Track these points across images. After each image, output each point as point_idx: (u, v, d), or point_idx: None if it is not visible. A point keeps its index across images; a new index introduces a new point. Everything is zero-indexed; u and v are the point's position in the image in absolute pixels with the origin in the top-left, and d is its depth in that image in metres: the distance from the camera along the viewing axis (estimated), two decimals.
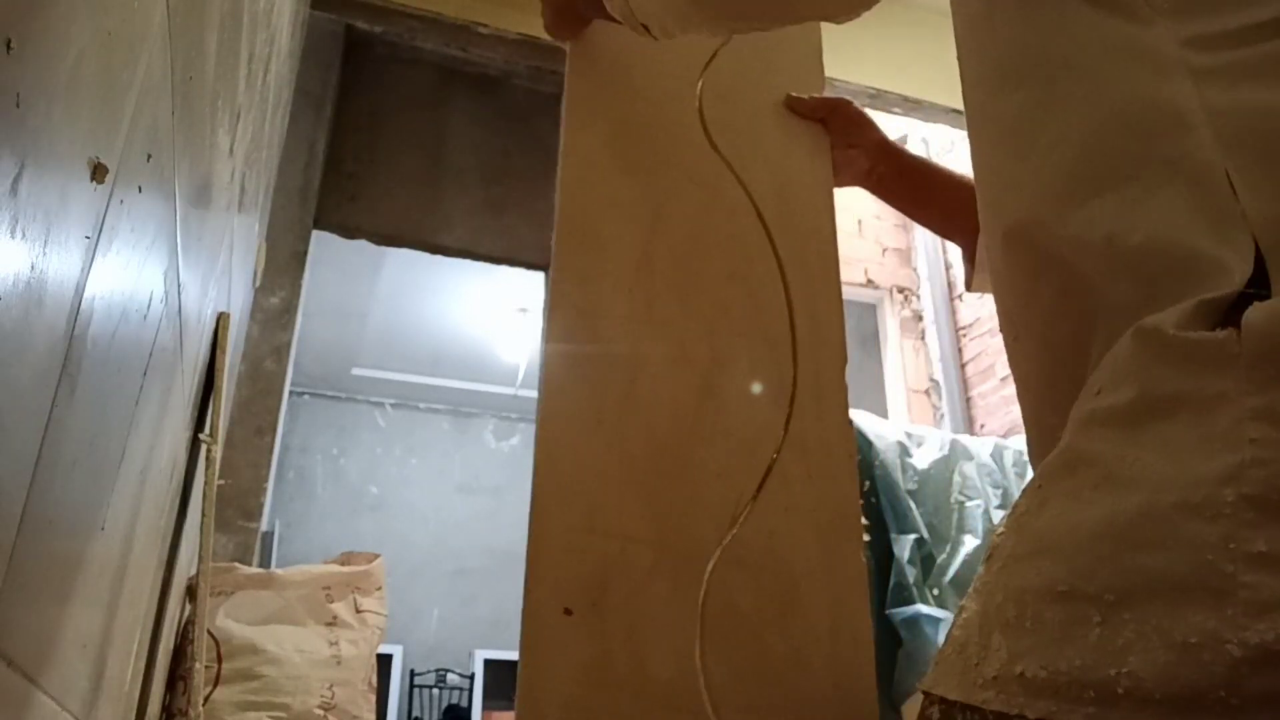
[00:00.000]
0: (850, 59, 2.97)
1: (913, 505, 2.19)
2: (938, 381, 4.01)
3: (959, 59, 0.72)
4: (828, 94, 1.26)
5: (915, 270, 4.28)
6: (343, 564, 2.19)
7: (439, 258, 4.22)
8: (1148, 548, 0.48)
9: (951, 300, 4.10)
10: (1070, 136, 0.59)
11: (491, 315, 6.43)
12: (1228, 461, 0.47)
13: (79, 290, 0.56)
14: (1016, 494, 2.32)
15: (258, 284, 2.79)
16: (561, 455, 0.94)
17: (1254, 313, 0.49)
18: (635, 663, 0.86)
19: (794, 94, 1.23)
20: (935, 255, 4.23)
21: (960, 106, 0.70)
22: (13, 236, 0.42)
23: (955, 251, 4.16)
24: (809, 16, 0.93)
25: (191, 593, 1.80)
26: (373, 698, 2.05)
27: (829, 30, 1.26)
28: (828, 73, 1.33)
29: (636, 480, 0.94)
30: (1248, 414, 0.48)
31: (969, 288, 1.04)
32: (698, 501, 0.95)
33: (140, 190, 0.70)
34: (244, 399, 3.15)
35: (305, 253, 3.59)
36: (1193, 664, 0.45)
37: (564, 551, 0.88)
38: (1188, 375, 0.51)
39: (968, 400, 3.90)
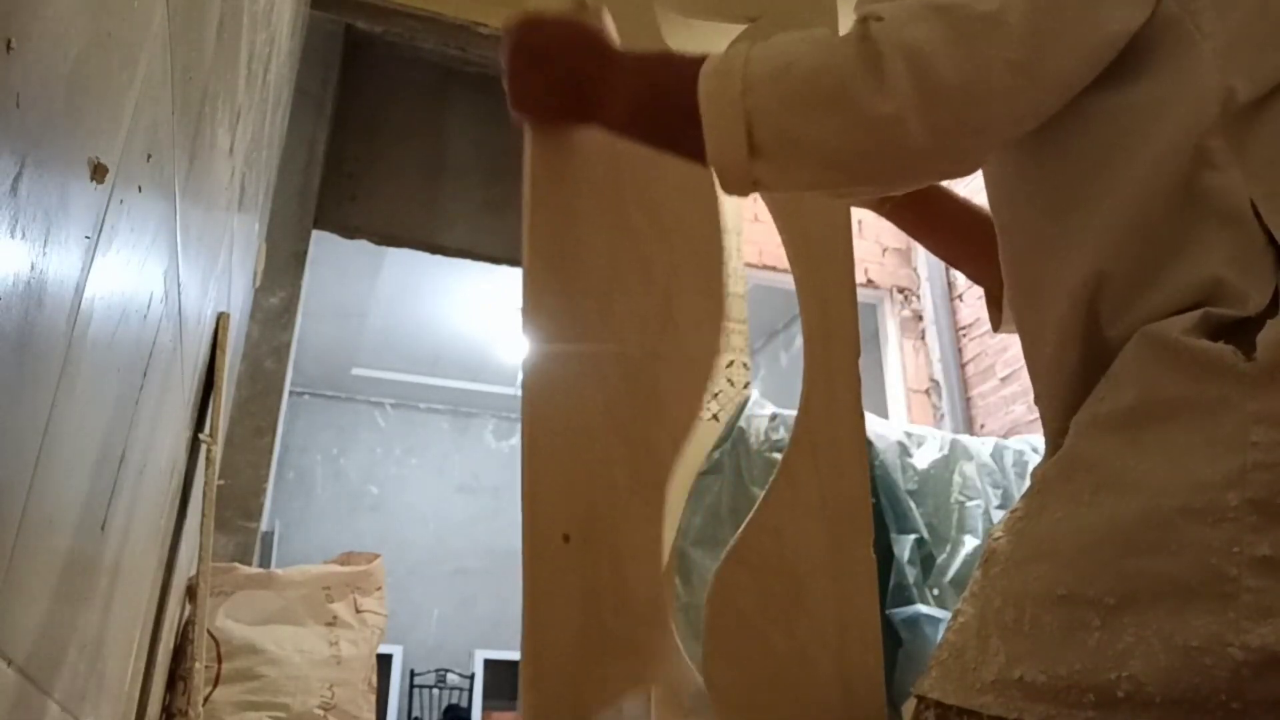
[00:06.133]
0: None
1: (913, 505, 2.19)
2: (938, 381, 4.01)
3: None
4: None
5: (915, 270, 4.28)
6: (343, 564, 2.19)
7: (439, 258, 4.22)
8: (1150, 552, 0.48)
9: (951, 300, 4.10)
10: (1119, 190, 0.59)
11: (491, 315, 6.43)
12: (1230, 465, 0.48)
13: (79, 290, 0.56)
14: (1016, 494, 2.32)
15: (258, 284, 2.78)
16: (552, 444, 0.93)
17: (1271, 330, 0.50)
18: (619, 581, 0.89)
19: None
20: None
21: None
22: (13, 236, 0.42)
23: None
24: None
25: (191, 593, 1.80)
26: (373, 698, 2.05)
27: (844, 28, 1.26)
28: None
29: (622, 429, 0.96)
30: (1250, 417, 0.48)
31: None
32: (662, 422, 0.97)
33: (140, 190, 0.70)
34: (244, 399, 3.15)
35: (305, 253, 3.58)
36: (1194, 668, 0.45)
37: (559, 487, 0.89)
38: (1190, 379, 0.51)
39: (968, 400, 3.90)
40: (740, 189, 0.67)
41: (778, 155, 0.63)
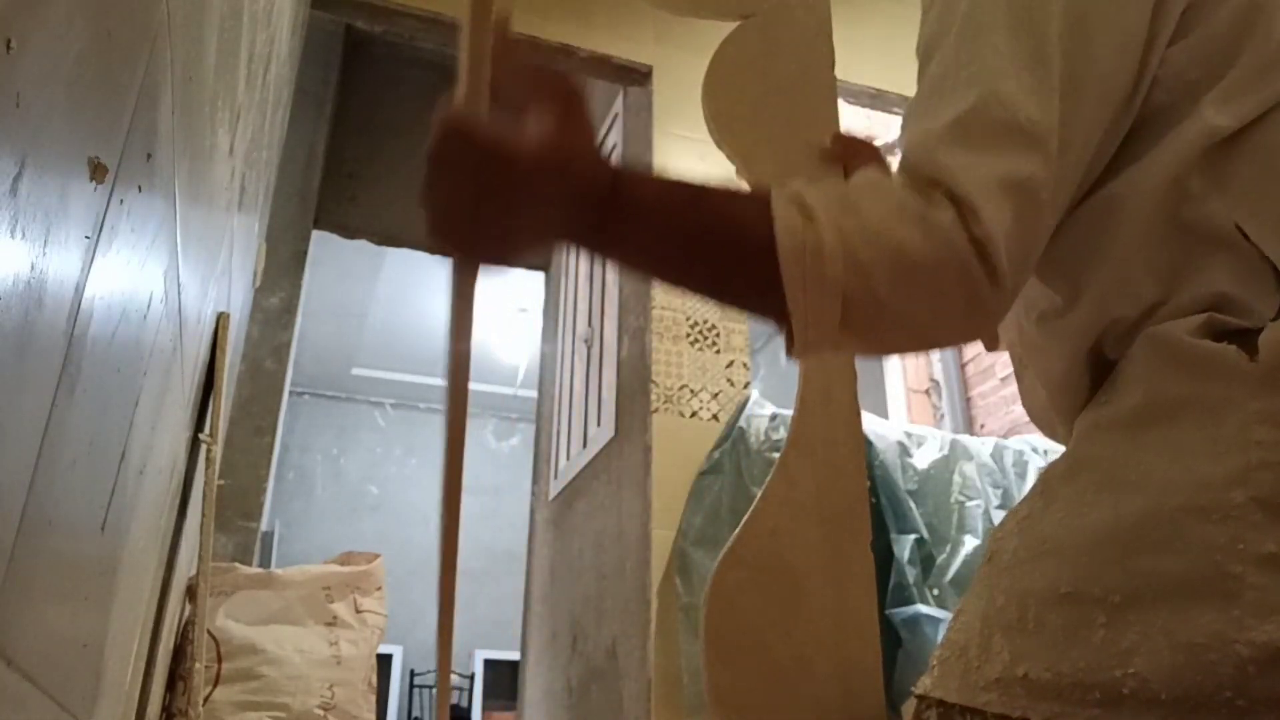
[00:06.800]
0: (852, 59, 2.97)
1: (913, 505, 2.19)
2: (938, 381, 4.01)
3: None
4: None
5: None
6: (343, 564, 2.20)
7: (439, 258, 4.21)
8: (1155, 550, 0.49)
9: None
10: (1121, 240, 0.60)
11: (491, 315, 6.43)
12: (1235, 464, 0.48)
13: (79, 290, 0.56)
14: (1017, 494, 2.32)
15: (258, 284, 2.78)
16: None
17: (1272, 330, 0.51)
18: None
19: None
20: None
21: None
22: (13, 236, 0.42)
23: None
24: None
25: (191, 593, 1.80)
26: (373, 698, 2.05)
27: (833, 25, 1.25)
28: None
29: None
30: (1254, 417, 0.49)
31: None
32: None
33: (140, 190, 0.70)
34: (244, 399, 3.15)
35: (305, 253, 3.58)
36: (1199, 664, 0.45)
37: None
38: (1194, 379, 0.52)
39: (968, 400, 3.90)
40: (817, 354, 0.60)
41: (876, 333, 0.59)
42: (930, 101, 0.60)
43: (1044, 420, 0.72)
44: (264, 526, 3.21)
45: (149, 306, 0.84)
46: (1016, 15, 0.58)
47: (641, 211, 0.59)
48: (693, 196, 0.59)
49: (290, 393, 4.47)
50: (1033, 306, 0.67)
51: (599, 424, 2.88)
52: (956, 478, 2.30)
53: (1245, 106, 0.57)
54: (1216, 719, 0.45)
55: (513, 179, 0.56)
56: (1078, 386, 0.62)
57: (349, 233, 3.95)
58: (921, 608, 1.98)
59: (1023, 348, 0.71)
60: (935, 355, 4.06)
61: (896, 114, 3.15)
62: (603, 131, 3.43)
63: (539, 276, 4.37)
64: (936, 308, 0.57)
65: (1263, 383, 0.50)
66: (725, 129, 1.12)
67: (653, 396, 2.43)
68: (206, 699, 1.79)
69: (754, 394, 2.48)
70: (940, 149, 0.57)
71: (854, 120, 3.12)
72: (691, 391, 2.48)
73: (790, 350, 0.59)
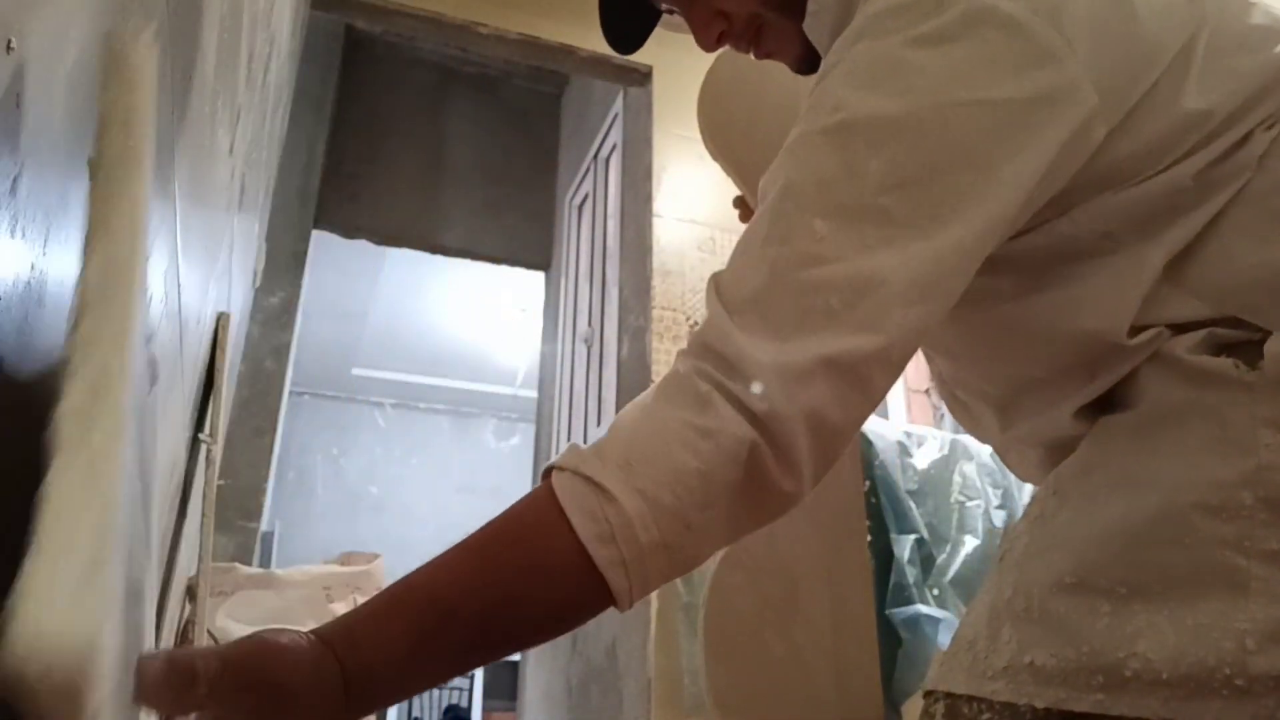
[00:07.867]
0: None
1: (913, 505, 2.19)
2: None
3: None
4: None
5: None
6: (343, 564, 2.20)
7: (439, 258, 4.22)
8: (1164, 544, 0.50)
9: None
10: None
11: (491, 315, 6.43)
12: (1244, 465, 0.50)
13: (79, 290, 0.56)
14: (1017, 494, 2.32)
15: (258, 284, 2.79)
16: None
17: (1275, 341, 0.53)
18: None
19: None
20: None
21: None
22: (13, 236, 0.42)
23: None
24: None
25: (191, 593, 1.80)
26: None
27: None
28: None
29: None
30: (1260, 421, 0.51)
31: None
32: None
33: None
34: (244, 399, 3.15)
35: (305, 253, 3.59)
36: (1202, 642, 0.47)
37: None
38: (1197, 389, 0.54)
39: None
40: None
41: (697, 556, 0.55)
42: (737, 279, 0.57)
43: (1041, 477, 0.74)
44: (264, 526, 3.21)
45: (149, 307, 0.84)
46: (835, 200, 0.56)
47: (396, 688, 0.54)
48: (446, 612, 0.54)
49: (290, 393, 4.47)
50: (1024, 416, 0.68)
51: (599, 424, 2.88)
52: (957, 478, 2.30)
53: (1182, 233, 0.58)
54: (1216, 700, 0.45)
55: None
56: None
57: (349, 232, 3.96)
58: (921, 608, 1.98)
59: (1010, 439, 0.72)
60: None
61: None
62: (603, 131, 3.43)
63: (539, 276, 4.37)
64: (747, 528, 0.56)
65: (1268, 389, 0.51)
66: (721, 144, 1.13)
67: None
68: None
69: None
70: (740, 339, 0.54)
71: None
72: None
73: (620, 607, 0.55)
